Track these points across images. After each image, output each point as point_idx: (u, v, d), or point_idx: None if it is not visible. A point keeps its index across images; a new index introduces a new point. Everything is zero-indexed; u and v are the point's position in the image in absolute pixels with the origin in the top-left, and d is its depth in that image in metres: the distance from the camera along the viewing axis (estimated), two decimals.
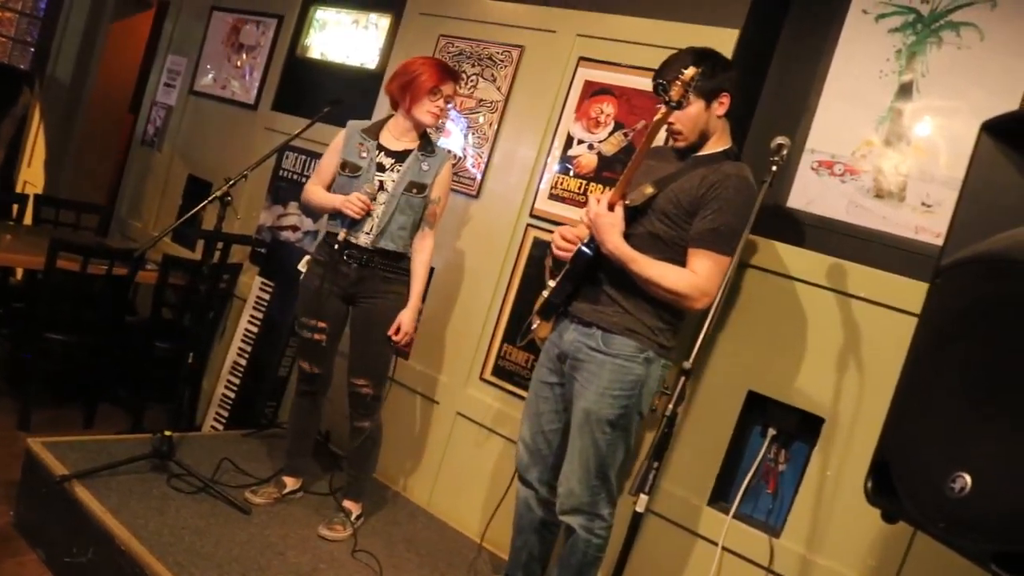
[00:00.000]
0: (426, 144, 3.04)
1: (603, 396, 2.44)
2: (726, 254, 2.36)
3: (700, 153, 2.52)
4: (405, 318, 2.99)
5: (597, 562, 2.55)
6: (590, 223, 2.44)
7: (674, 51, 2.52)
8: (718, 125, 2.50)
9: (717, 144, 2.52)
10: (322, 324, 3.05)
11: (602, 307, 2.49)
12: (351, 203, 2.90)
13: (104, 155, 6.25)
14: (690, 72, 2.20)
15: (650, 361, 2.44)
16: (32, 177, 6.34)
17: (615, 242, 2.39)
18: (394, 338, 2.98)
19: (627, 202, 2.43)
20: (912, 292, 2.38)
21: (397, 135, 3.04)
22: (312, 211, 3.17)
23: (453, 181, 3.60)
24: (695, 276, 2.36)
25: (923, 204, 2.66)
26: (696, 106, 2.43)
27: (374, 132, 3.07)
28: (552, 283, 2.59)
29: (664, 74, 2.39)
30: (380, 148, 3.02)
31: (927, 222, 2.64)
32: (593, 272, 2.50)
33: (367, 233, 2.95)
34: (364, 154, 3.01)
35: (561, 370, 2.61)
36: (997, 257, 1.32)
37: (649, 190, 2.45)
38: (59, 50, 6.35)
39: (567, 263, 2.53)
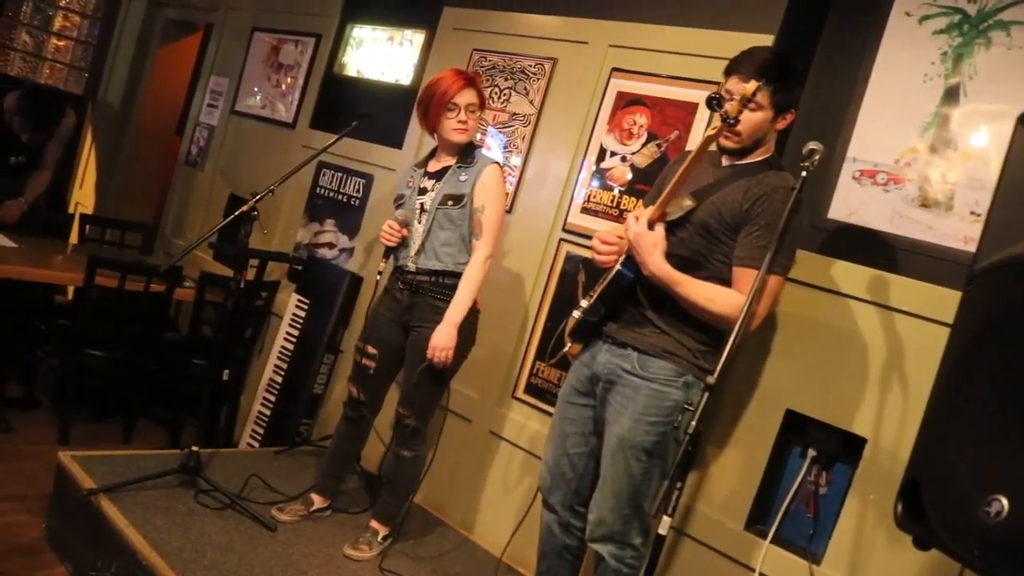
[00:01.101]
0: (464, 156, 2.97)
1: (638, 423, 2.30)
2: (776, 273, 2.23)
3: (742, 162, 2.37)
4: (436, 336, 2.82)
5: None
6: (630, 244, 2.29)
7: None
8: (772, 137, 2.37)
9: (761, 153, 2.37)
10: (372, 350, 3.01)
11: (639, 328, 2.36)
12: (383, 232, 2.94)
13: (151, 175, 6.35)
14: (751, 87, 2.08)
15: (689, 386, 2.31)
16: (83, 198, 6.48)
17: (657, 263, 2.24)
18: (430, 358, 2.83)
19: (669, 212, 2.29)
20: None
21: (441, 156, 3.02)
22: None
23: None
24: (743, 297, 2.11)
25: (972, 213, 2.52)
26: (764, 114, 2.27)
27: (424, 163, 3.07)
28: (585, 303, 2.46)
29: (738, 69, 2.27)
30: (426, 174, 3.01)
31: (976, 231, 2.47)
32: (630, 291, 2.37)
33: (409, 256, 2.93)
34: (411, 183, 3.02)
35: (593, 392, 2.48)
36: None
37: (687, 203, 2.30)
38: (110, 75, 6.50)
39: (602, 283, 2.41)
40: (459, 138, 2.93)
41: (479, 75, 2.98)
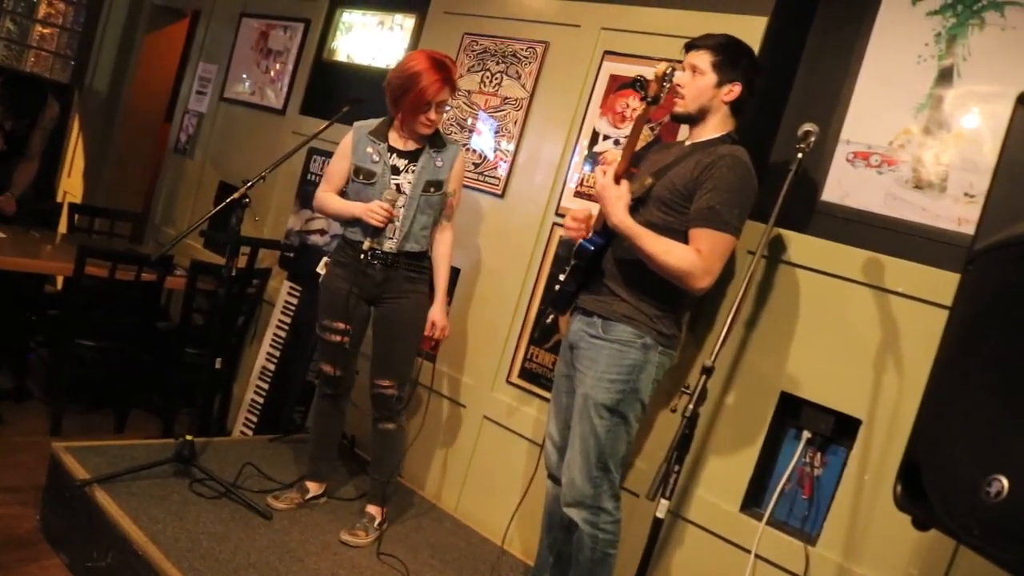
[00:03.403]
0: (436, 139, 2.97)
1: (600, 380, 2.44)
2: (725, 231, 2.33)
3: (699, 139, 2.51)
4: (436, 314, 3.02)
5: (608, 559, 2.49)
6: (597, 194, 2.46)
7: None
8: (720, 108, 2.48)
9: (716, 130, 2.50)
10: (344, 326, 2.99)
11: (603, 297, 2.52)
12: (374, 213, 2.84)
13: (140, 164, 6.29)
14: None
15: (648, 347, 2.44)
16: (72, 187, 6.43)
17: (620, 216, 2.39)
18: (429, 335, 3.00)
19: (633, 190, 2.44)
20: (953, 286, 2.23)
21: (405, 136, 2.97)
22: (327, 216, 3.16)
23: (479, 181, 3.55)
24: (698, 254, 2.32)
25: (966, 194, 2.52)
26: (708, 79, 2.44)
27: (382, 133, 2.98)
28: (562, 277, 2.63)
29: (692, 44, 2.50)
30: (391, 150, 2.95)
31: (970, 213, 2.50)
32: (596, 265, 2.54)
33: (391, 238, 2.91)
34: (376, 158, 2.95)
35: (570, 360, 2.61)
36: None
37: (648, 180, 2.48)
38: (96, 63, 6.44)
39: (573, 258, 2.56)
40: (426, 132, 2.93)
41: (453, 64, 2.91)
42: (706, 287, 2.33)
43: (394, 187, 2.90)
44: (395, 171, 2.93)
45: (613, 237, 2.49)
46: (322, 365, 3.11)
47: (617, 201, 2.39)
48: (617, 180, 2.41)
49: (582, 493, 2.46)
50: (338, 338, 3.01)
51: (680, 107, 2.51)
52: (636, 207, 2.46)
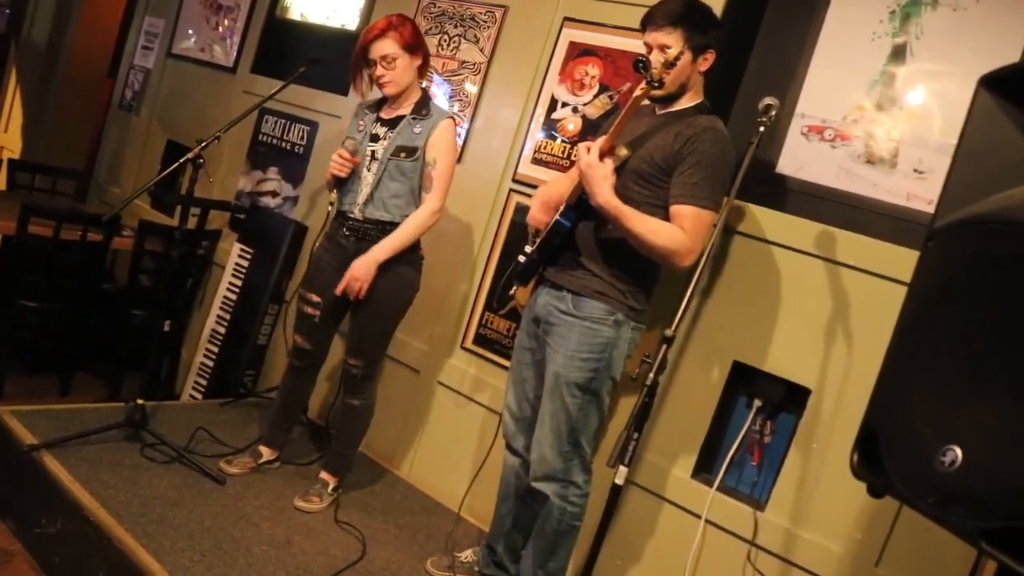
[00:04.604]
0: (420, 107, 2.92)
1: (572, 359, 2.40)
2: (710, 209, 2.30)
3: (672, 109, 2.45)
4: (355, 265, 2.80)
5: (573, 531, 2.51)
6: (580, 173, 2.34)
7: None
8: (697, 80, 2.43)
9: (691, 99, 2.45)
10: (316, 298, 2.97)
11: (573, 271, 2.46)
12: (334, 162, 2.85)
13: (82, 119, 6.10)
14: (673, 52, 2.18)
15: (620, 324, 2.41)
16: (9, 142, 6.21)
17: (606, 196, 2.28)
18: (345, 287, 2.82)
19: (614, 160, 2.35)
20: (903, 260, 2.31)
21: (395, 104, 2.95)
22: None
23: None
24: (683, 233, 2.28)
25: (915, 171, 2.59)
26: (685, 58, 2.32)
27: (377, 106, 2.99)
28: (528, 248, 2.56)
29: (653, 20, 2.37)
30: (378, 120, 2.94)
31: (919, 189, 2.57)
32: (567, 239, 2.47)
33: (358, 203, 2.88)
34: (361, 127, 2.95)
35: (536, 334, 2.57)
36: (996, 218, 1.24)
37: (623, 151, 2.36)
38: (34, 12, 6.19)
39: (543, 231, 2.50)
40: (387, 91, 2.89)
41: (407, 22, 2.84)
42: (690, 265, 2.28)
43: (369, 153, 2.88)
44: (374, 139, 2.90)
45: (587, 211, 2.41)
46: (295, 335, 3.09)
47: (603, 181, 2.28)
48: (602, 158, 2.30)
49: (552, 468, 2.46)
50: (309, 309, 2.99)
51: (661, 92, 2.37)
52: None
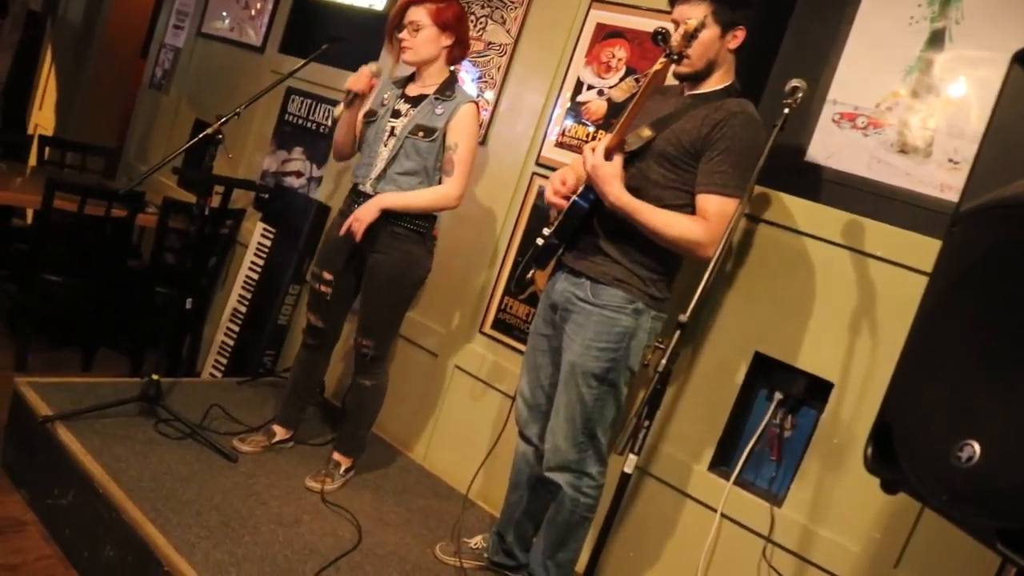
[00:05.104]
0: (445, 88, 2.87)
1: (589, 348, 2.33)
2: (737, 197, 2.20)
3: (700, 91, 2.36)
4: (359, 208, 2.79)
5: (585, 522, 2.46)
6: (588, 175, 2.28)
7: None
8: (727, 59, 2.34)
9: (720, 80, 2.35)
10: (328, 276, 2.94)
11: (593, 257, 2.37)
12: (352, 78, 2.90)
13: (114, 98, 6.15)
14: (693, 23, 2.07)
15: (639, 312, 2.33)
16: (43, 120, 6.27)
17: (616, 193, 2.22)
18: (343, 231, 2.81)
19: (628, 143, 2.27)
20: (933, 252, 2.20)
21: (420, 82, 2.92)
22: (340, 152, 3.08)
23: None
24: (706, 222, 2.21)
25: (950, 160, 2.49)
26: (711, 32, 2.24)
27: (404, 81, 2.96)
28: (546, 231, 2.46)
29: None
30: (403, 96, 2.91)
31: (954, 179, 2.47)
32: (586, 221, 2.37)
33: (370, 177, 2.84)
34: (386, 101, 2.92)
35: (553, 321, 2.51)
36: (1020, 201, 1.17)
37: (647, 133, 2.29)
38: None
39: (560, 213, 2.41)
40: (405, 57, 2.86)
41: (454, 1, 2.85)
42: (713, 254, 2.15)
43: (388, 128, 2.86)
44: (396, 114, 2.88)
45: None
46: (308, 313, 3.07)
47: (612, 180, 2.20)
48: (609, 155, 2.22)
49: (566, 458, 2.40)
50: (321, 287, 2.96)
51: (687, 68, 2.29)
52: (631, 160, 2.30)
